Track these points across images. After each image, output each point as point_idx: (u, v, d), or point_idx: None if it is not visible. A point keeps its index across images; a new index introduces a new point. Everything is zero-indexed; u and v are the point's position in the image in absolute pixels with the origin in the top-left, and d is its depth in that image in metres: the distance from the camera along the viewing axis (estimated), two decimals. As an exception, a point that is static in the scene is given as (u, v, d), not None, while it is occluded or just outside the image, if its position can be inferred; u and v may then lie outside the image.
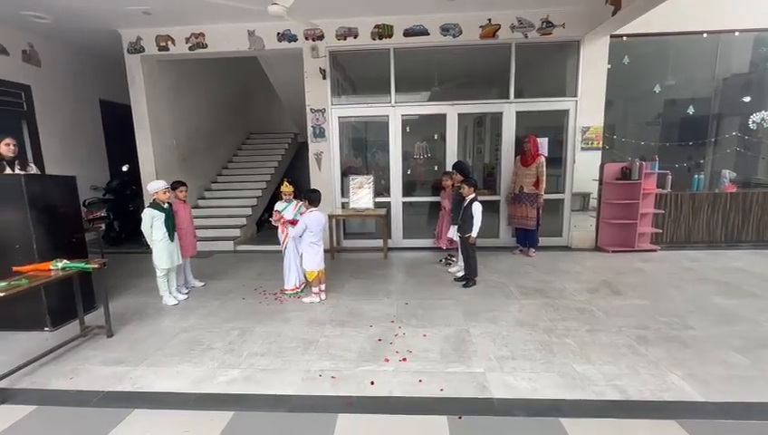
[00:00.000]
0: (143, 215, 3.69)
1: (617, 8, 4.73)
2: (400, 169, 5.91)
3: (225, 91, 8.35)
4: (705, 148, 6.24)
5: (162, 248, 3.73)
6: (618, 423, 2.05)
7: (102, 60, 6.70)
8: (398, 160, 5.89)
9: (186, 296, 4.00)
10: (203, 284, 4.39)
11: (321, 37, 5.55)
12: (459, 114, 5.73)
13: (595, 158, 5.59)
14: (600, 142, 5.58)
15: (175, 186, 4.11)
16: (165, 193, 3.77)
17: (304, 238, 3.72)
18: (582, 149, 5.58)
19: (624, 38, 5.62)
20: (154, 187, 3.74)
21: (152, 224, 3.68)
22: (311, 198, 3.76)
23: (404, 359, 2.71)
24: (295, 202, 4.00)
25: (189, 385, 2.48)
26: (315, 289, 3.83)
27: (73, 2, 4.71)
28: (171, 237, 3.79)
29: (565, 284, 4.18)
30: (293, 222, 3.86)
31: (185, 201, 4.16)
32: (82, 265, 2.96)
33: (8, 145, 3.44)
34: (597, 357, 2.69)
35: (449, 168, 5.48)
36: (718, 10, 5.53)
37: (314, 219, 3.68)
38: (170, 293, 3.90)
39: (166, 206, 3.78)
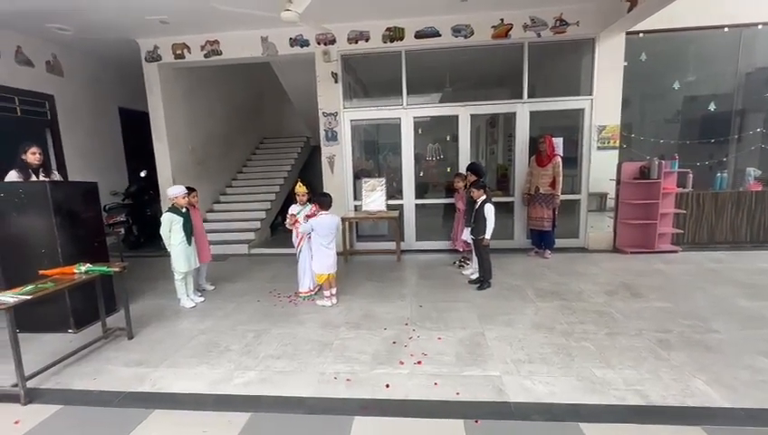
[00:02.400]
0: (162, 219, 3.78)
1: (632, 4, 4.65)
2: (413, 171, 5.91)
3: (239, 97, 8.50)
4: (727, 145, 6.06)
5: (180, 252, 3.81)
6: (640, 429, 2.01)
7: (121, 69, 6.91)
8: (411, 162, 5.89)
9: (202, 299, 4.08)
10: (213, 287, 4.46)
11: (332, 41, 5.61)
12: (471, 115, 5.71)
13: (612, 157, 5.50)
14: (617, 141, 5.48)
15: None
16: (184, 198, 3.86)
17: (314, 241, 3.75)
18: (599, 148, 5.49)
19: (641, 34, 5.52)
20: (173, 192, 3.83)
21: (171, 228, 3.77)
22: (321, 201, 3.77)
23: (419, 362, 2.70)
24: (311, 206, 4.03)
25: (207, 386, 2.52)
26: (327, 292, 3.85)
27: (94, 14, 4.87)
28: (189, 241, 3.86)
29: (582, 286, 4.12)
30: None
31: (195, 207, 4.24)
32: (104, 268, 3.05)
33: (34, 154, 3.58)
34: (617, 361, 2.64)
35: (462, 169, 5.48)
36: (740, 3, 5.38)
37: (322, 223, 3.69)
38: (188, 295, 3.98)
39: (184, 210, 3.87)
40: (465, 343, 2.95)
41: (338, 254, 3.96)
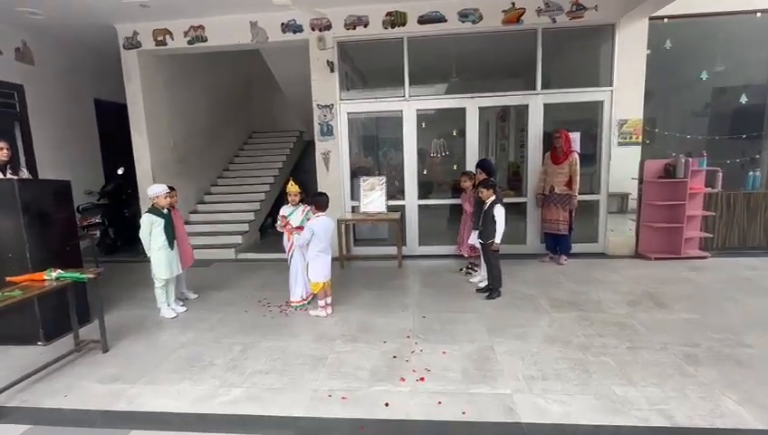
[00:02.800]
0: (142, 221, 3.79)
1: (656, -13, 4.66)
2: (416, 168, 5.93)
3: (226, 88, 8.53)
4: (760, 141, 6.06)
5: (161, 257, 3.82)
6: (664, 453, 2.00)
7: (97, 57, 6.94)
8: (413, 159, 5.90)
9: (184, 309, 4.08)
10: (197, 295, 4.47)
11: (328, 27, 5.63)
12: (480, 108, 5.73)
13: (634, 154, 5.50)
14: (640, 136, 5.49)
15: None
16: (165, 197, 3.87)
17: (311, 247, 3.75)
18: (619, 144, 5.50)
19: (665, 20, 5.53)
20: (154, 190, 3.84)
21: (151, 230, 3.78)
22: (317, 202, 3.77)
23: (422, 378, 2.70)
24: (303, 207, 4.03)
25: (189, 405, 2.52)
26: (321, 302, 3.85)
27: (68, -4, 4.90)
28: (171, 245, 3.87)
29: (601, 295, 4.11)
30: (300, 229, 3.90)
31: (175, 208, 4.24)
32: (77, 274, 3.06)
33: (1, 149, 3.59)
34: (639, 378, 2.63)
35: (470, 167, 5.48)
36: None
37: (322, 226, 3.69)
38: (168, 305, 3.98)
39: (166, 211, 3.88)
40: (473, 357, 2.95)
41: (333, 259, 3.96)
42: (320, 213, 3.75)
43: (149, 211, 3.81)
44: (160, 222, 3.79)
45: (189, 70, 7.14)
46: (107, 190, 6.81)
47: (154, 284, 3.92)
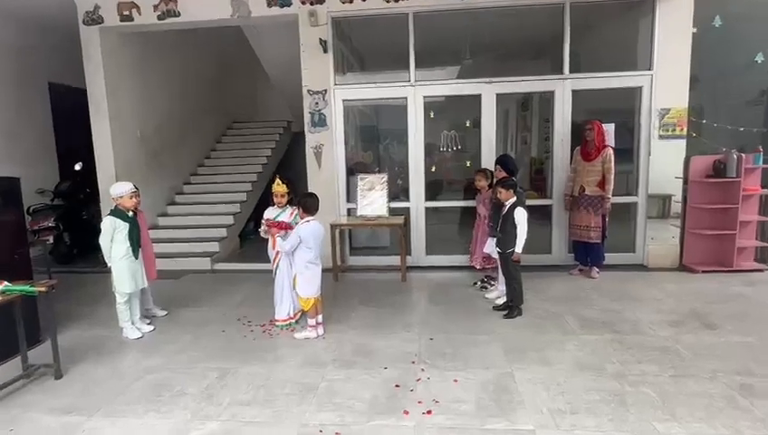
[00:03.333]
0: (103, 225, 3.79)
1: (703, -45, 4.69)
2: (422, 165, 5.93)
3: (203, 71, 8.56)
4: (826, 134, 6.07)
5: (124, 268, 3.82)
6: (714, 501, 1.99)
7: (53, 34, 6.98)
8: (420, 155, 5.91)
9: (151, 328, 4.08)
10: (166, 313, 4.46)
11: (321, 0, 5.66)
12: (498, 94, 5.74)
13: (677, 149, 5.50)
14: (684, 129, 5.49)
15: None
16: (131, 198, 3.87)
17: (299, 256, 3.73)
18: (661, 137, 5.50)
19: (714, -7, 5.56)
20: (118, 190, 3.85)
21: (113, 237, 3.78)
22: (305, 204, 3.71)
23: (429, 411, 2.69)
24: (291, 209, 4.04)
25: (156, 441, 2.52)
26: (312, 321, 3.84)
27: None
28: (135, 254, 3.88)
29: (640, 314, 4.11)
30: (283, 226, 3.85)
31: (139, 210, 4.25)
32: (26, 287, 3.06)
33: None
34: (685, 412, 2.62)
35: (485, 163, 5.49)
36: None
37: (311, 232, 3.67)
38: (133, 323, 3.98)
39: (131, 214, 3.89)
40: (489, 387, 2.94)
41: (324, 271, 3.96)
42: (308, 217, 3.70)
43: (112, 214, 3.82)
44: (124, 227, 3.80)
45: (160, 50, 7.17)
46: (62, 189, 6.82)
47: (115, 299, 3.92)
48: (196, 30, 6.39)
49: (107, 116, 6.13)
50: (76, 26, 6.02)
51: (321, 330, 3.86)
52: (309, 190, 5.30)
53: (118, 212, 3.83)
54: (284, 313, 4.07)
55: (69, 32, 6.21)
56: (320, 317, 3.89)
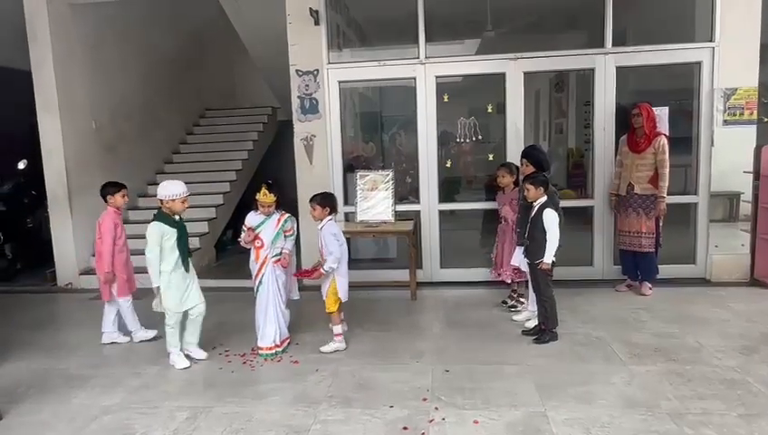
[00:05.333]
0: (150, 234, 3.79)
1: None
2: (435, 159, 5.95)
3: (170, 49, 8.64)
4: None
5: (174, 282, 3.87)
6: None
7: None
8: (432, 147, 5.93)
9: (205, 355, 4.12)
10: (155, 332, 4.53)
11: (311, -38, 5.70)
12: (526, 73, 5.75)
13: (746, 137, 5.48)
14: (755, 113, 5.47)
15: (113, 190, 4.35)
16: (184, 201, 3.92)
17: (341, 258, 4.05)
18: (725, 123, 5.48)
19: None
20: (172, 190, 3.83)
21: (162, 246, 3.81)
22: (332, 203, 4.12)
23: (443, 459, 2.69)
24: (278, 214, 4.05)
25: (114, 496, 2.52)
26: (339, 329, 4.11)
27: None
28: (186, 266, 3.96)
29: (702, 339, 4.08)
30: (261, 245, 4.01)
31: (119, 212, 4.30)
32: (-41, 311, 3.08)
33: None
34: (757, 459, 2.60)
35: (511, 157, 5.47)
36: None
37: (338, 227, 4.15)
38: (180, 349, 4.01)
39: (178, 218, 3.94)
40: (517, 429, 2.92)
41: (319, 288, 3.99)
42: (330, 217, 4.09)
43: (158, 219, 3.84)
44: (172, 233, 3.84)
45: (119, 26, 7.25)
46: (3, 192, 6.87)
47: (165, 320, 3.92)
48: (161, 2, 6.44)
49: (56, 105, 6.21)
50: (20, -2, 6.10)
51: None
52: (298, 191, 5.41)
53: (163, 216, 3.86)
54: (269, 340, 4.06)
55: (10, 5, 6.27)
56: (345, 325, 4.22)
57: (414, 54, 5.81)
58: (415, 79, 5.85)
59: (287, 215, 4.12)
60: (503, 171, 4.95)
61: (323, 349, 4.07)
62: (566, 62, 5.93)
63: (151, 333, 4.51)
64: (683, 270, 5.71)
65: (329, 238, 3.99)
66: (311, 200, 4.12)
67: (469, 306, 5.13)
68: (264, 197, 3.99)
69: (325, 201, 4.07)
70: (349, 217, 5.98)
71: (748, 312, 4.66)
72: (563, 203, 4.54)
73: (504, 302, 5.05)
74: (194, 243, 6.88)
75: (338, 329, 4.10)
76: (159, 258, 3.81)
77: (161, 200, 3.87)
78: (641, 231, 5.14)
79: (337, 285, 4.06)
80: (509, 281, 4.98)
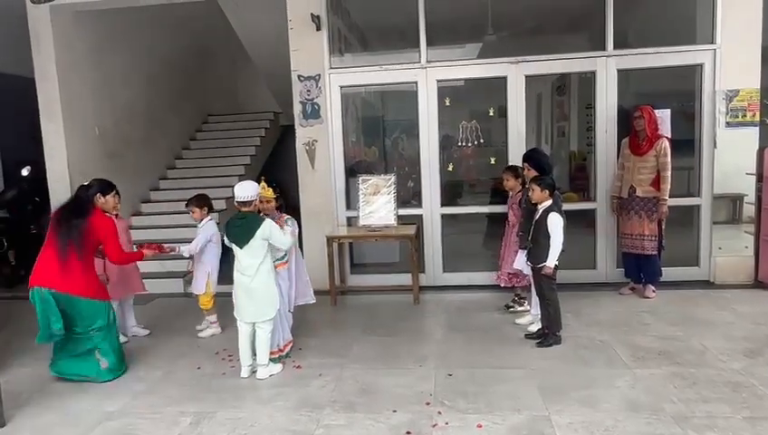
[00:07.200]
0: (275, 227, 3.80)
1: None
2: (438, 163, 5.96)
3: (172, 55, 8.68)
4: None
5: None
6: None
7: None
8: (434, 150, 5.94)
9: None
10: (148, 332, 4.72)
11: (312, -33, 5.73)
12: (528, 76, 5.75)
13: (749, 139, 5.48)
14: (757, 114, 5.46)
15: (105, 190, 4.32)
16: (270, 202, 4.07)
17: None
18: (728, 125, 5.48)
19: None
20: (249, 191, 3.81)
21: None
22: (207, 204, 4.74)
23: (447, 462, 2.69)
24: (278, 217, 4.08)
25: (117, 501, 2.53)
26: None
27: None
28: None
29: (706, 342, 4.07)
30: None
31: (118, 214, 4.29)
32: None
33: None
34: (763, 462, 2.59)
35: (513, 160, 5.48)
36: None
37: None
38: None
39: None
40: (521, 433, 2.92)
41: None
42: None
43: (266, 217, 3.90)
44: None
45: (122, 33, 7.29)
46: (6, 199, 6.91)
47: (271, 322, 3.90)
48: (164, 9, 6.47)
49: (59, 112, 6.23)
50: (23, 5, 6.12)
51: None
52: (300, 195, 5.47)
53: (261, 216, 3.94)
54: (273, 344, 4.08)
55: (14, 12, 6.30)
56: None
57: (415, 59, 5.82)
58: (416, 83, 5.86)
59: (287, 217, 4.14)
60: (507, 175, 4.95)
61: (201, 335, 4.67)
62: (567, 66, 5.93)
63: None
64: (686, 272, 5.70)
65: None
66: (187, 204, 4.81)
67: (472, 310, 5.13)
68: (263, 190, 4.02)
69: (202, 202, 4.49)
70: (351, 222, 6.00)
71: (753, 314, 4.65)
72: (566, 206, 4.53)
73: (507, 306, 5.05)
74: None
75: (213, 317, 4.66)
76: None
77: (253, 202, 3.83)
78: (644, 234, 5.13)
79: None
80: (502, 285, 5.01)
